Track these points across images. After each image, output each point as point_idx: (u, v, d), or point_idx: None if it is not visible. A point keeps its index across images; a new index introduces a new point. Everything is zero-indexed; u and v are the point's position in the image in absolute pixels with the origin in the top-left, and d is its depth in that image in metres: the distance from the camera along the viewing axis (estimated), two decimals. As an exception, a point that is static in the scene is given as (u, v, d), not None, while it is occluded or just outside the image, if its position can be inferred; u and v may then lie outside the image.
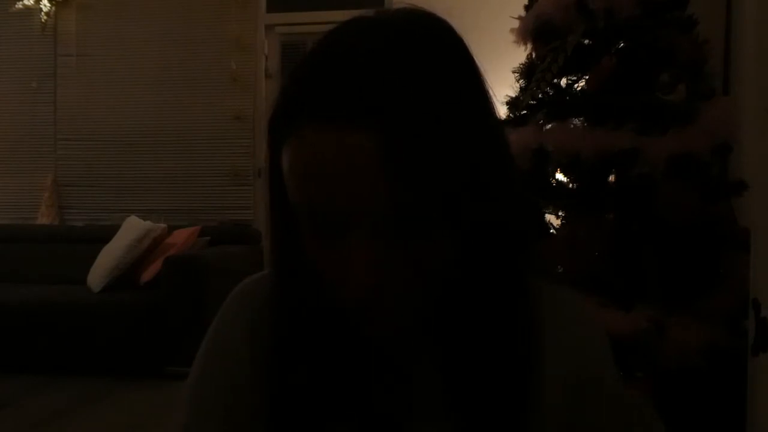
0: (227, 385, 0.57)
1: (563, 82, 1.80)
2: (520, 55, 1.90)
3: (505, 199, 0.49)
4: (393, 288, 0.45)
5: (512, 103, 1.81)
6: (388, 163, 0.41)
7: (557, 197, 1.72)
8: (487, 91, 0.48)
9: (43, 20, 4.29)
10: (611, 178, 1.69)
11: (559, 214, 1.73)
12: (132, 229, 3.55)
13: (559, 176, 1.74)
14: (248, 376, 0.55)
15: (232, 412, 0.56)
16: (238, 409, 0.56)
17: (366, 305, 0.46)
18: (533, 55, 1.87)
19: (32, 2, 4.27)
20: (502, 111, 1.80)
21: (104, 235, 3.68)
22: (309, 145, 0.43)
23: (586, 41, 1.75)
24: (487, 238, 0.48)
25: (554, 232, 1.71)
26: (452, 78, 0.45)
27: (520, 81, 1.85)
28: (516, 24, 1.89)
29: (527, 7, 1.92)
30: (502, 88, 1.71)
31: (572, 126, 1.69)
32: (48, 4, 4.28)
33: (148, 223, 3.57)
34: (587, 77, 1.75)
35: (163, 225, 3.59)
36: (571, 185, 1.72)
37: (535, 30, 1.81)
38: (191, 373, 0.59)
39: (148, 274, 3.37)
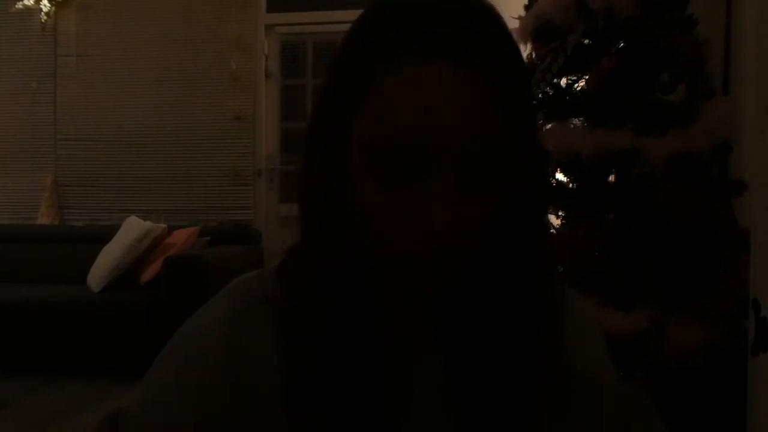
0: (196, 396, 0.54)
1: (563, 82, 1.80)
2: (520, 55, 1.90)
3: (537, 174, 0.53)
4: (459, 238, 0.46)
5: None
6: (500, 106, 0.45)
7: (557, 197, 1.72)
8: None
9: (43, 20, 4.28)
10: (611, 178, 1.69)
11: (559, 214, 1.73)
12: (132, 229, 3.54)
13: (559, 176, 1.74)
14: (222, 384, 0.53)
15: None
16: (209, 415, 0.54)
17: (426, 256, 0.46)
18: (533, 55, 1.87)
19: (32, 2, 4.27)
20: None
21: (104, 235, 3.68)
22: (419, 78, 0.44)
23: (586, 41, 1.75)
24: (514, 219, 0.50)
25: (554, 232, 1.71)
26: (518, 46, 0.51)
27: (520, 81, 1.85)
28: (516, 24, 1.89)
29: (527, 7, 1.92)
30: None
31: (572, 126, 1.70)
32: (48, 4, 4.27)
33: (148, 223, 3.57)
34: (587, 77, 1.75)
35: (163, 225, 3.59)
36: (571, 185, 1.72)
37: (535, 30, 1.81)
38: (160, 363, 0.57)
39: (148, 274, 3.37)
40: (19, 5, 4.28)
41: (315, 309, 0.52)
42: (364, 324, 0.51)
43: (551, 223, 1.74)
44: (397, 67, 0.45)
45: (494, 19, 0.47)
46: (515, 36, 0.50)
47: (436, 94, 0.44)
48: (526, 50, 1.89)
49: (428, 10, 0.46)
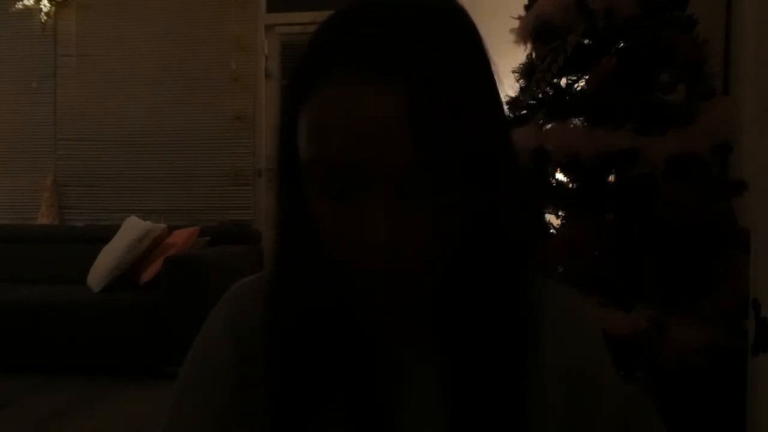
0: (209, 403, 0.56)
1: (563, 82, 1.80)
2: (520, 55, 1.90)
3: (511, 173, 0.51)
4: (407, 251, 0.45)
5: (512, 103, 1.81)
6: (417, 120, 0.42)
7: (557, 197, 1.72)
8: (493, 74, 0.50)
9: (43, 20, 4.29)
10: (611, 178, 1.69)
11: (559, 214, 1.73)
12: (132, 229, 3.55)
13: (559, 176, 1.74)
14: (233, 385, 0.56)
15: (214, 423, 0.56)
16: (223, 417, 0.56)
17: (378, 268, 0.45)
18: (533, 55, 1.87)
19: (32, 2, 4.27)
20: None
21: (104, 235, 3.68)
22: (339, 97, 0.43)
23: (586, 41, 1.75)
24: (490, 220, 0.49)
25: (554, 232, 1.71)
26: (474, 49, 0.47)
27: (520, 81, 1.85)
28: (516, 24, 1.89)
29: (527, 7, 1.92)
30: (502, 88, 1.71)
31: (572, 126, 1.69)
32: (48, 4, 4.28)
33: (148, 223, 3.57)
34: (587, 77, 1.75)
35: (163, 225, 3.59)
36: (571, 185, 1.72)
37: (535, 30, 1.81)
38: (177, 381, 0.59)
39: (148, 274, 3.37)
40: (19, 5, 4.28)
41: (302, 311, 0.52)
42: (353, 325, 0.51)
43: (551, 223, 1.74)
44: (320, 84, 0.44)
45: (433, 23, 0.45)
46: (479, 35, 0.48)
47: (354, 111, 0.43)
48: (526, 50, 1.89)
49: (355, 27, 0.45)
